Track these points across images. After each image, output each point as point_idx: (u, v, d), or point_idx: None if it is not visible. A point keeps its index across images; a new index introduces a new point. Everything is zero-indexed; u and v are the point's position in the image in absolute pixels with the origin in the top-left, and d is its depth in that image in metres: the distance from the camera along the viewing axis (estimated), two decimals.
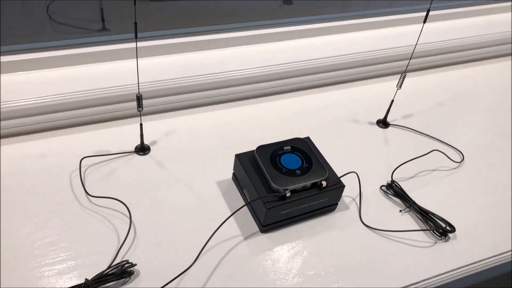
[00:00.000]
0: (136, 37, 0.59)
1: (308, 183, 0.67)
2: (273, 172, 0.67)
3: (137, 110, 0.71)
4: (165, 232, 0.67)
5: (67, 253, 0.62)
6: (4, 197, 0.68)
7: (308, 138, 0.76)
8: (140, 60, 0.85)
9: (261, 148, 0.71)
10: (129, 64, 0.84)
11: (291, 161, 0.70)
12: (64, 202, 0.69)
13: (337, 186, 0.69)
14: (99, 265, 0.61)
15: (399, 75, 0.85)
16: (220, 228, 0.65)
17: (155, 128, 0.83)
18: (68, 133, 0.80)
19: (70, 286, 0.58)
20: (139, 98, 0.70)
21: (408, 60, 0.89)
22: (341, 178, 0.71)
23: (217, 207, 0.71)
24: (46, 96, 0.76)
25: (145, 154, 0.78)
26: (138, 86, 0.67)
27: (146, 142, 0.80)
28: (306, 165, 0.69)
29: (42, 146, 0.77)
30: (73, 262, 0.61)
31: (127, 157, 0.77)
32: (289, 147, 0.72)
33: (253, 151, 0.71)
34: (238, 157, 0.71)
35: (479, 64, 1.15)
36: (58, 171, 0.73)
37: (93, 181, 0.72)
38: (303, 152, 0.71)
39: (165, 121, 0.85)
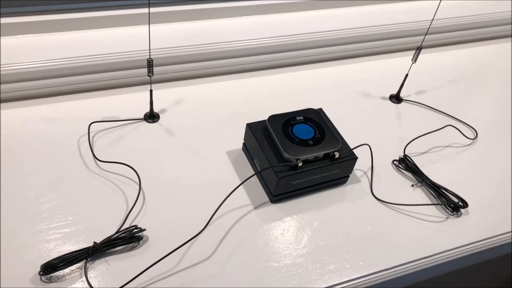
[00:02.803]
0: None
1: (320, 153, 0.66)
2: (285, 142, 0.66)
3: (148, 75, 0.69)
4: (174, 199, 0.66)
5: (75, 217, 0.62)
6: (10, 159, 0.67)
7: (320, 109, 0.75)
8: (152, 26, 0.83)
9: (273, 117, 0.69)
10: (141, 29, 0.82)
11: (304, 131, 0.68)
12: (72, 166, 0.68)
13: (350, 157, 0.68)
14: (107, 230, 0.61)
15: (414, 50, 0.83)
16: (230, 197, 0.64)
17: (165, 96, 0.82)
18: (77, 98, 0.78)
19: (78, 249, 0.57)
20: (149, 63, 0.68)
21: (424, 36, 0.86)
22: (353, 150, 0.70)
23: (227, 176, 0.70)
24: (56, 59, 0.75)
25: (154, 121, 0.77)
26: (150, 50, 0.66)
27: (155, 110, 0.78)
28: (319, 135, 0.68)
29: (50, 111, 0.75)
30: (81, 226, 0.61)
31: (136, 124, 0.76)
32: (301, 117, 0.70)
33: (264, 120, 0.69)
34: (249, 126, 0.70)
35: (494, 42, 1.13)
36: (67, 136, 0.72)
37: (101, 146, 0.71)
38: (315, 122, 0.70)
39: (175, 90, 0.84)
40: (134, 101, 0.79)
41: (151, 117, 0.77)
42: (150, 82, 0.72)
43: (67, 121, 0.74)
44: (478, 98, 0.94)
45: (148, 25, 0.64)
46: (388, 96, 0.91)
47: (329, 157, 0.67)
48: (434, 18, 0.84)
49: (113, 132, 0.74)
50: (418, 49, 0.82)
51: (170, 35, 0.83)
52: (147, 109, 0.77)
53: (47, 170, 0.67)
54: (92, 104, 0.78)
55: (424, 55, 1.03)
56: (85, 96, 0.79)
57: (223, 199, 0.64)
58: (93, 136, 0.73)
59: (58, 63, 0.74)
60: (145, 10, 0.81)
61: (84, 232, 0.60)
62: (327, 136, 0.68)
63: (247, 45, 0.86)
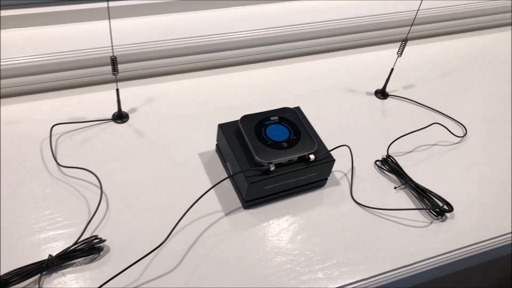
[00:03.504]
0: None
1: (294, 156, 0.62)
2: (257, 144, 0.62)
3: (112, 73, 0.65)
4: (140, 206, 0.62)
5: (32, 227, 0.58)
6: None
7: (298, 108, 0.71)
8: (118, 21, 0.78)
9: (245, 117, 0.65)
10: (107, 24, 0.78)
11: (278, 132, 0.64)
12: (33, 171, 0.64)
13: (326, 160, 0.64)
14: (67, 240, 0.57)
15: (400, 43, 0.78)
16: (201, 203, 0.61)
17: (136, 94, 0.78)
18: (40, 98, 0.74)
19: (33, 262, 0.54)
20: (113, 61, 0.64)
21: (410, 27, 0.82)
22: (332, 152, 0.66)
23: (198, 180, 0.66)
24: (15, 57, 0.70)
25: (123, 122, 0.73)
26: (112, 47, 0.61)
27: (125, 109, 0.74)
28: (294, 137, 0.64)
29: (11, 112, 0.71)
30: (38, 236, 0.57)
31: (103, 125, 0.72)
32: (276, 118, 0.66)
33: (237, 121, 0.65)
34: (221, 127, 0.66)
35: (485, 32, 1.08)
36: (28, 139, 0.68)
37: (65, 150, 0.67)
38: (291, 123, 0.66)
39: (146, 87, 0.79)
40: (103, 101, 0.75)
41: (120, 117, 0.73)
42: (116, 81, 0.68)
43: (29, 123, 0.70)
44: (470, 92, 0.90)
45: (108, 20, 0.60)
46: (373, 91, 0.86)
47: (304, 160, 0.63)
48: (420, 8, 0.79)
49: (78, 134, 0.70)
50: (404, 42, 0.77)
51: (138, 30, 0.79)
52: (116, 109, 0.73)
53: (6, 175, 0.63)
54: (57, 104, 0.74)
55: (412, 47, 0.98)
56: (49, 95, 0.75)
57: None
58: (57, 139, 0.69)
59: (18, 61, 0.70)
60: (113, 3, 0.76)
61: (41, 243, 0.57)
62: (303, 138, 0.64)
63: (223, 39, 0.81)
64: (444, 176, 0.72)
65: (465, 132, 0.80)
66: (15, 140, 0.68)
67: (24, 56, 0.71)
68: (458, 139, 0.79)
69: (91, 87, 0.77)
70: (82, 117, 0.72)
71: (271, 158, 0.61)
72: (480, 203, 0.69)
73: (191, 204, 0.60)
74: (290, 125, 0.65)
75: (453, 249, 0.63)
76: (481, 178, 0.73)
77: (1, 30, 0.74)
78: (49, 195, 0.62)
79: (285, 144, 0.63)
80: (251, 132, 0.63)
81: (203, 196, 0.61)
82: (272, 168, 0.60)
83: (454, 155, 0.76)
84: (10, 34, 0.74)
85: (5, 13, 0.73)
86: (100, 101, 0.75)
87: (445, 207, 0.66)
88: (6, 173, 0.63)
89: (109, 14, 0.58)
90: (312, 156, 0.62)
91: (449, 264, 0.63)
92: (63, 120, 0.71)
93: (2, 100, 0.73)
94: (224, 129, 0.66)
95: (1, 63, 0.70)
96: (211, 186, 0.65)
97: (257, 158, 0.61)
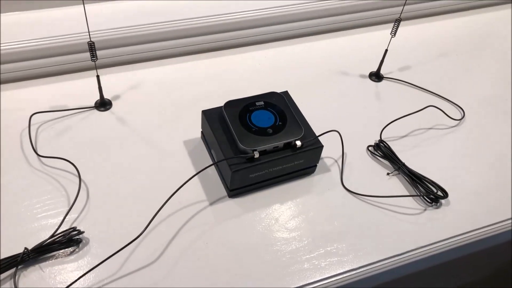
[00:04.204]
0: None
1: (280, 143, 0.59)
2: (241, 131, 0.60)
3: (91, 59, 0.63)
4: (121, 195, 0.60)
5: (9, 219, 0.56)
6: None
7: (286, 92, 0.68)
8: (97, 6, 0.76)
9: (229, 103, 0.63)
10: (89, 8, 0.75)
11: (263, 118, 0.62)
12: (11, 162, 0.62)
13: (314, 146, 0.62)
14: (46, 232, 0.55)
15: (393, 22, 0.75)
16: (185, 192, 0.58)
17: (119, 81, 0.75)
18: (19, 87, 0.72)
19: (10, 255, 0.52)
20: (91, 46, 0.62)
21: (403, 6, 0.78)
22: (321, 138, 0.63)
23: (181, 168, 0.64)
24: None
25: (106, 109, 0.70)
26: (89, 32, 0.59)
27: (108, 96, 0.72)
28: (280, 123, 0.61)
29: None
30: (15, 228, 0.55)
31: (85, 113, 0.70)
32: (262, 103, 0.63)
33: (221, 107, 0.63)
34: (205, 113, 0.63)
35: (484, 11, 1.03)
36: (8, 128, 0.66)
37: (45, 139, 0.65)
38: (277, 108, 0.63)
39: (129, 74, 0.77)
40: (85, 88, 0.73)
41: (102, 104, 0.70)
42: (96, 67, 0.66)
43: (9, 112, 0.68)
44: (468, 73, 0.86)
45: (83, 4, 0.57)
46: (367, 74, 0.83)
47: (290, 146, 0.60)
48: None
49: (59, 122, 0.68)
50: (397, 21, 0.74)
51: (121, 14, 0.76)
52: (98, 96, 0.70)
53: None
54: (37, 92, 0.72)
55: (407, 27, 0.94)
56: (29, 84, 0.73)
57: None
58: (37, 128, 0.67)
59: None
60: None
61: (18, 236, 0.55)
62: (289, 123, 0.61)
63: (208, 22, 0.78)
64: (440, 161, 0.70)
65: (463, 114, 0.77)
66: None
67: (0, 44, 0.69)
68: (455, 122, 0.76)
69: (72, 75, 0.75)
70: (63, 105, 0.70)
71: (256, 145, 0.58)
72: (476, 189, 0.66)
73: (172, 193, 0.58)
74: (276, 111, 0.63)
75: (448, 237, 0.61)
76: (478, 163, 0.70)
77: None
78: (27, 186, 0.60)
79: (270, 131, 0.60)
80: (235, 119, 0.61)
81: (187, 185, 0.58)
82: (256, 156, 0.58)
83: (450, 139, 0.73)
84: None
85: None
86: (82, 89, 0.73)
87: (439, 193, 0.64)
88: None
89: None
90: (298, 143, 0.60)
91: (444, 253, 0.61)
92: (43, 109, 0.68)
93: None
94: (208, 115, 0.63)
95: None
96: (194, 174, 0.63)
97: (240, 145, 0.58)
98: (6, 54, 0.68)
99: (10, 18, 0.73)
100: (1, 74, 0.70)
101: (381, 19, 0.93)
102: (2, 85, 0.71)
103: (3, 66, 0.69)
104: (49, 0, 0.73)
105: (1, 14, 0.72)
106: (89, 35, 0.59)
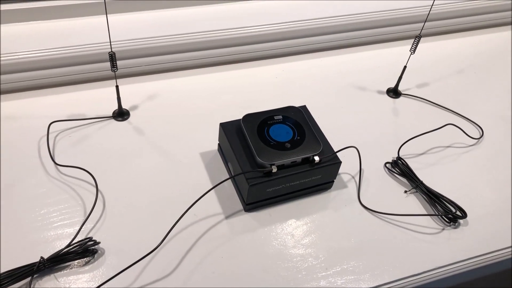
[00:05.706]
0: None
1: (298, 158, 0.59)
2: (259, 145, 0.59)
3: (111, 70, 0.63)
4: (138, 206, 0.60)
5: (26, 227, 0.56)
6: None
7: (304, 106, 0.68)
8: (118, 16, 0.76)
9: (248, 116, 0.63)
10: (111, 19, 0.76)
11: (281, 132, 0.61)
12: (29, 170, 0.62)
13: (332, 162, 0.61)
14: (62, 241, 0.55)
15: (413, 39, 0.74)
16: (201, 205, 0.58)
17: (138, 91, 0.76)
18: (38, 95, 0.72)
19: (26, 263, 0.52)
20: (112, 57, 0.62)
21: (424, 23, 0.78)
22: (338, 153, 0.63)
23: (198, 180, 0.64)
24: (13, 53, 0.69)
25: (123, 119, 0.71)
26: (110, 42, 0.59)
27: (126, 106, 0.72)
28: (298, 137, 0.61)
29: (9, 108, 0.70)
30: (32, 237, 0.55)
31: (103, 122, 0.70)
32: (280, 117, 0.63)
33: (239, 120, 0.63)
34: (223, 126, 0.63)
35: (503, 29, 1.03)
36: (26, 136, 0.66)
37: (63, 148, 0.66)
38: (296, 122, 0.63)
39: (148, 84, 0.77)
40: (104, 98, 0.73)
41: (120, 114, 0.71)
42: (115, 77, 0.66)
43: (28, 120, 0.69)
44: (486, 91, 0.85)
45: (105, 15, 0.58)
46: (385, 90, 0.83)
47: (308, 161, 0.60)
48: (434, 4, 0.75)
49: (77, 131, 0.68)
50: (417, 38, 0.74)
51: (140, 26, 0.77)
52: (117, 106, 0.71)
53: (2, 173, 0.61)
54: (56, 101, 0.72)
55: (426, 44, 0.94)
56: (49, 92, 0.73)
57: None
58: (55, 136, 0.67)
59: (16, 57, 0.68)
60: None
61: (34, 244, 0.55)
62: (308, 138, 0.61)
63: (228, 35, 0.79)
64: (458, 180, 0.69)
65: (481, 133, 0.76)
66: (12, 137, 0.66)
67: (22, 52, 0.69)
68: (474, 141, 0.75)
69: (91, 84, 0.75)
70: (82, 114, 0.71)
71: (273, 159, 0.58)
72: (495, 210, 0.65)
73: (190, 206, 0.58)
74: (295, 125, 0.63)
75: (466, 258, 0.60)
76: (497, 182, 0.69)
77: (0, 25, 0.73)
78: (44, 194, 0.60)
79: (288, 145, 0.60)
80: (253, 132, 0.61)
81: (203, 198, 0.58)
82: (274, 170, 0.58)
83: (469, 158, 0.72)
84: (9, 29, 0.73)
85: (4, 7, 0.72)
86: (100, 98, 0.73)
87: (458, 213, 0.63)
88: (2, 170, 0.62)
89: (105, 9, 0.56)
90: (317, 158, 0.59)
91: (461, 274, 0.59)
92: (62, 117, 0.69)
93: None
94: (225, 128, 0.63)
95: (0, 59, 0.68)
96: (211, 186, 0.63)
97: (258, 159, 0.58)
98: (28, 62, 0.69)
99: (32, 27, 0.73)
100: (22, 82, 0.70)
101: (399, 35, 0.93)
102: (22, 93, 0.72)
103: (24, 74, 0.70)
104: (71, 10, 0.74)
105: (27, 23, 0.73)
106: (111, 45, 0.60)
